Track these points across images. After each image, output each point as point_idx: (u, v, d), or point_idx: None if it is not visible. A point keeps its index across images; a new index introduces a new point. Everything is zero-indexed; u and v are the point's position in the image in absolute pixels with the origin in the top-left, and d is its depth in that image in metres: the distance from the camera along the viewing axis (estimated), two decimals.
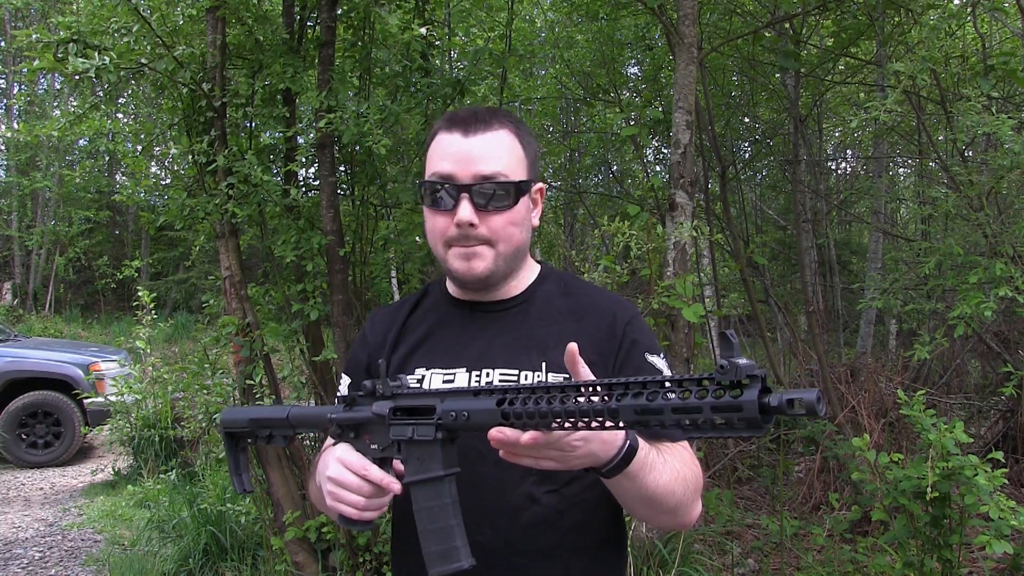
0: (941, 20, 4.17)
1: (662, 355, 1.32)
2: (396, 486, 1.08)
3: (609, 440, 1.01)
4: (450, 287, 1.38)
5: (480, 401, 0.98)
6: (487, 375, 1.26)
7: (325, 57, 3.49)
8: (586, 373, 1.00)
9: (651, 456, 1.10)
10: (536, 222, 1.33)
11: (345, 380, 1.39)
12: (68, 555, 4.81)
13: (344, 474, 1.09)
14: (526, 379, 1.25)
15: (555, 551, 1.22)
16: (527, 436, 0.93)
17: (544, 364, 1.26)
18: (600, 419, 0.86)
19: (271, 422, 1.28)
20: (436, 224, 1.26)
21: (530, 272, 1.37)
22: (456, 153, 1.23)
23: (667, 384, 0.83)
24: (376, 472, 1.09)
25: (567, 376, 1.20)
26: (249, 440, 1.33)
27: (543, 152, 8.42)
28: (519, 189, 1.26)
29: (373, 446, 1.12)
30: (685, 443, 1.25)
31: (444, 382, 1.27)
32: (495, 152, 1.24)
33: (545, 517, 1.21)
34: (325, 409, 1.20)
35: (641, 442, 1.08)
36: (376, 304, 4.12)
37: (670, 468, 1.14)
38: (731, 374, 0.76)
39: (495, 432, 0.95)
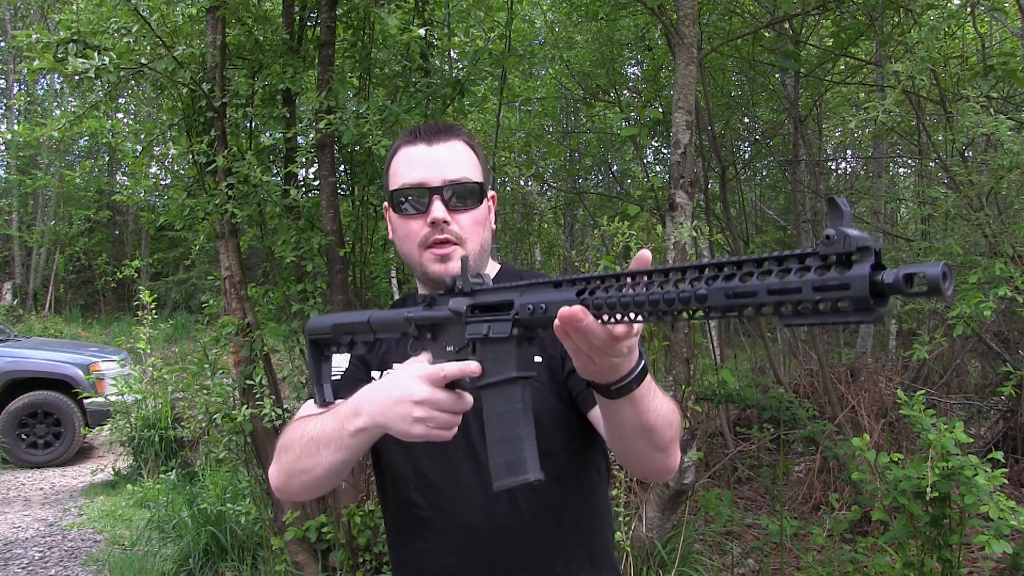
0: (940, 20, 4.17)
1: None
2: (474, 366, 1.03)
3: (631, 352, 0.98)
4: (422, 293, 1.45)
5: (560, 293, 0.92)
6: None
7: (325, 57, 3.50)
8: None
9: (652, 383, 1.09)
10: (494, 226, 1.43)
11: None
12: (68, 555, 4.81)
13: (435, 393, 1.04)
14: None
15: (537, 528, 1.28)
16: (620, 329, 0.88)
17: None
18: (687, 307, 0.76)
19: (352, 327, 1.28)
20: (410, 229, 1.33)
21: (490, 271, 1.46)
22: (423, 161, 1.33)
23: (764, 264, 0.72)
24: (453, 367, 1.04)
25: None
26: (333, 348, 1.32)
27: (543, 152, 8.43)
28: (481, 190, 1.36)
29: (449, 348, 1.08)
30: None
31: None
32: (458, 158, 1.34)
33: (525, 496, 1.26)
34: (403, 311, 1.18)
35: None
36: (376, 304, 4.12)
37: (666, 402, 1.14)
38: (838, 246, 0.65)
39: (576, 310, 0.87)
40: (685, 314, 0.78)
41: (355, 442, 1.15)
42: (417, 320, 1.13)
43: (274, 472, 1.30)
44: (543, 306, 0.93)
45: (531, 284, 0.98)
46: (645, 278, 0.82)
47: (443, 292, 1.11)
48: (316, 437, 1.19)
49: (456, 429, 1.06)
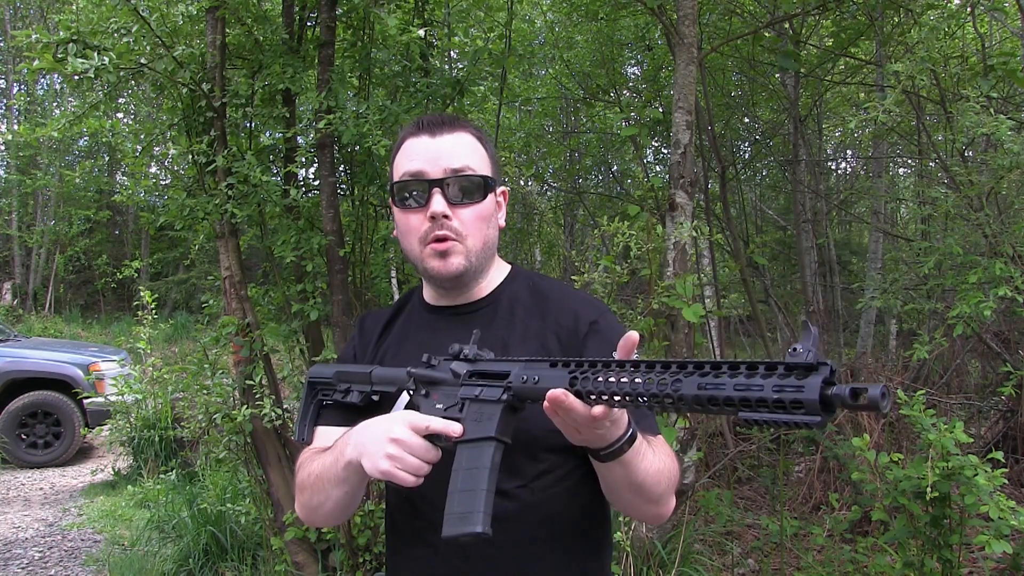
0: (940, 20, 4.17)
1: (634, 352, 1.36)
2: (457, 428, 1.09)
3: (618, 422, 1.05)
4: (426, 294, 1.43)
5: (553, 371, 1.01)
6: None
7: (325, 57, 3.50)
8: None
9: (644, 445, 1.15)
10: (502, 223, 1.39)
11: None
12: (68, 555, 4.81)
13: (411, 437, 1.10)
14: None
15: (528, 543, 1.26)
16: (597, 410, 0.96)
17: None
18: (662, 399, 0.87)
19: (352, 376, 1.33)
20: (410, 223, 1.30)
21: (499, 273, 1.41)
22: (424, 152, 1.29)
23: (739, 367, 0.83)
24: (439, 423, 1.10)
25: None
26: (326, 393, 1.38)
27: (543, 152, 8.43)
28: (486, 183, 1.31)
29: (438, 405, 1.15)
30: (662, 438, 1.29)
31: None
32: (462, 149, 1.30)
33: (516, 511, 1.25)
34: (405, 369, 1.23)
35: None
36: (376, 304, 4.12)
37: (658, 459, 1.19)
38: (801, 359, 0.77)
39: (559, 393, 0.97)
40: (659, 405, 0.88)
41: (347, 475, 1.21)
42: (418, 376, 1.20)
43: (298, 508, 1.38)
44: (535, 378, 1.03)
45: (530, 360, 1.07)
46: (631, 368, 0.92)
47: (448, 357, 1.17)
48: (320, 475, 1.26)
49: (421, 478, 1.11)
